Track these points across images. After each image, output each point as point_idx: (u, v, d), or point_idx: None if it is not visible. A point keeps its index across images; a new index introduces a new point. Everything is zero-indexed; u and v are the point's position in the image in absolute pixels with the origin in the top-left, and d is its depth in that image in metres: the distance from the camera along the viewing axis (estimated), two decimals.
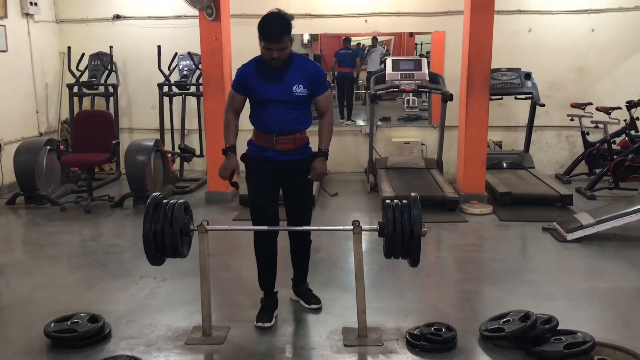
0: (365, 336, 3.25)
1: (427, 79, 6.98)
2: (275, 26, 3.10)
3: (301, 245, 3.61)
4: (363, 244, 3.25)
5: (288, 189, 3.46)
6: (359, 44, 11.43)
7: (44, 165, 6.45)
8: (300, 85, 3.22)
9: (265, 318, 3.41)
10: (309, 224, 3.54)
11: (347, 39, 10.77)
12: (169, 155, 7.00)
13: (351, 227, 3.20)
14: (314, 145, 3.45)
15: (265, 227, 3.33)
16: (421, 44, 11.21)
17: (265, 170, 3.37)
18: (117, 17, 7.98)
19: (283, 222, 3.50)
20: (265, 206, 3.39)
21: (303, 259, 3.67)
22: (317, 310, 3.61)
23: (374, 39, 10.90)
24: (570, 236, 4.96)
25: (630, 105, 6.95)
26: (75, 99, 7.74)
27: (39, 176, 6.36)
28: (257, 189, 3.40)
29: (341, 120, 10.05)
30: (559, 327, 3.11)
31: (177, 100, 7.73)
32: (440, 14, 7.69)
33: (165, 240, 3.14)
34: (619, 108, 7.09)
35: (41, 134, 7.60)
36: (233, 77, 6.55)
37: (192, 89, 7.59)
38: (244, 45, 7.61)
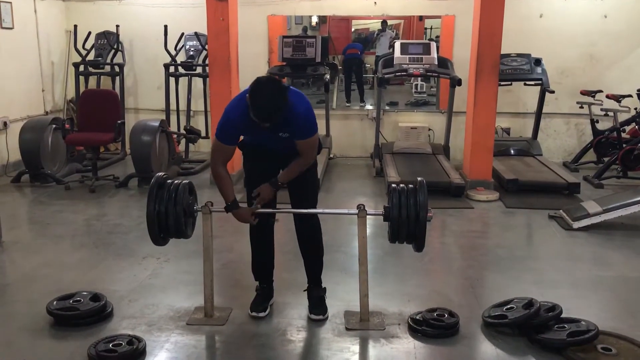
0: (367, 320, 3.25)
1: (436, 63, 6.91)
2: (266, 112, 2.86)
3: (306, 230, 3.36)
4: (368, 229, 3.22)
5: None
6: (367, 29, 11.38)
7: (49, 144, 6.45)
8: (286, 133, 3.08)
9: (260, 307, 3.35)
10: (314, 208, 3.37)
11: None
12: (175, 136, 6.98)
13: (356, 211, 3.17)
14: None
15: (270, 210, 3.29)
16: (431, 28, 11.11)
17: (263, 158, 3.28)
18: None
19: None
20: None
21: (310, 249, 3.40)
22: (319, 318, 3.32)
23: (384, 22, 10.82)
24: (576, 224, 4.93)
25: None
26: (81, 78, 7.72)
27: (44, 155, 6.35)
28: (253, 175, 3.33)
29: (347, 104, 10.00)
30: (562, 315, 3.09)
31: (183, 81, 7.69)
32: None
33: (169, 220, 3.13)
34: (630, 96, 7.02)
35: (47, 113, 7.59)
36: (239, 59, 6.53)
37: (199, 69, 7.54)
38: (250, 25, 7.61)
